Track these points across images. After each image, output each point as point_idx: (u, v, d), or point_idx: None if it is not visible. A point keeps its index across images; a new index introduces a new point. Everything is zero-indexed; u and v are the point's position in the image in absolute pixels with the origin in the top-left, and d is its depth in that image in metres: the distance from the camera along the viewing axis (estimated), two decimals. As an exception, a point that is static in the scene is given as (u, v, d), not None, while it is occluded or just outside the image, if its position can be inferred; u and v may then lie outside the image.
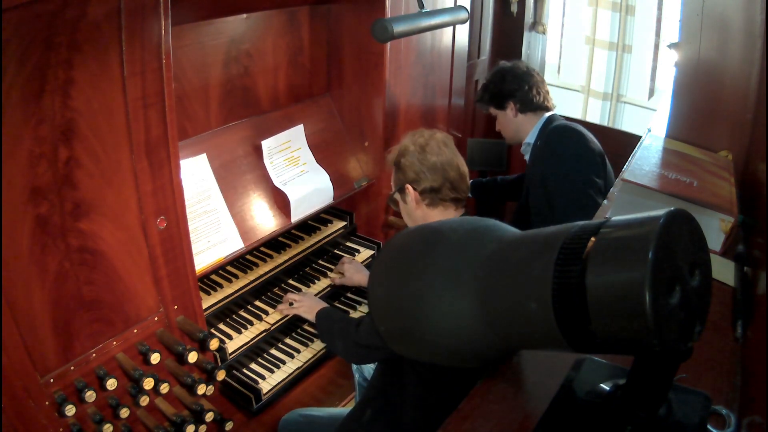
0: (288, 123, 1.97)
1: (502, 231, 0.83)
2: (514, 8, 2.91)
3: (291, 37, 1.99)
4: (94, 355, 1.26)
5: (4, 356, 1.06)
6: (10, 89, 1.00)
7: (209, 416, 1.41)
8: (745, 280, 1.21)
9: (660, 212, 0.63)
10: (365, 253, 2.16)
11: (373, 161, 2.15)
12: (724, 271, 1.28)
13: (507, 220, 1.16)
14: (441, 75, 2.35)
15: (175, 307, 1.42)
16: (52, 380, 1.18)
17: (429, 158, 1.54)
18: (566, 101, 4.62)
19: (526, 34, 3.07)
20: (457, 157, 1.58)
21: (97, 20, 1.09)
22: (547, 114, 2.20)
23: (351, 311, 2.03)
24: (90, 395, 1.21)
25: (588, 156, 2.06)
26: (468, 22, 2.08)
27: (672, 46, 2.23)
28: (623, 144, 2.24)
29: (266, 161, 1.87)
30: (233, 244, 1.71)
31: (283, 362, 1.80)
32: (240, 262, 1.92)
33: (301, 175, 1.95)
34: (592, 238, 0.65)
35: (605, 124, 4.47)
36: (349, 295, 2.10)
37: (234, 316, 1.83)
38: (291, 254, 1.98)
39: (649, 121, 2.14)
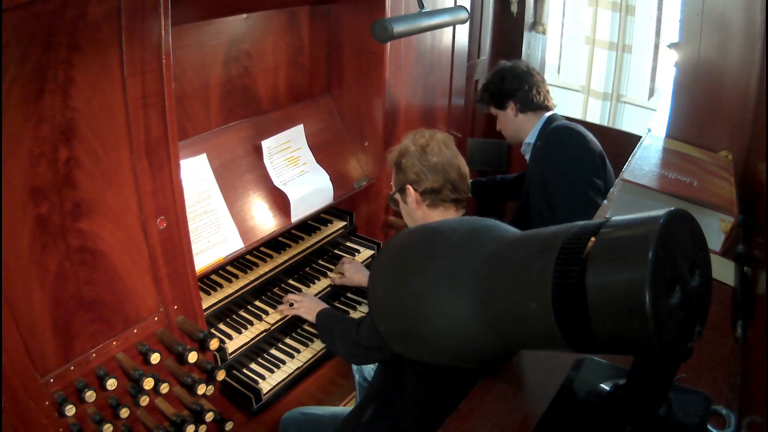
0: (288, 123, 1.97)
1: (502, 231, 0.83)
2: (514, 8, 2.91)
3: (291, 37, 1.99)
4: (94, 355, 1.26)
5: (4, 356, 1.06)
6: (10, 89, 1.00)
7: (209, 416, 1.41)
8: (745, 280, 1.21)
9: (660, 212, 0.63)
10: (365, 253, 2.16)
11: (373, 161, 2.15)
12: (724, 271, 1.28)
13: (507, 220, 1.16)
14: (441, 75, 2.35)
15: (175, 307, 1.42)
16: (52, 380, 1.18)
17: (430, 159, 1.54)
18: (566, 101, 4.63)
19: (526, 34, 3.07)
20: (458, 158, 1.58)
21: (97, 20, 1.09)
22: (548, 114, 2.20)
23: (351, 311, 2.03)
24: (90, 395, 1.21)
25: (588, 157, 2.06)
26: (468, 22, 2.08)
27: (672, 46, 2.23)
28: (623, 144, 2.24)
29: (266, 161, 1.87)
30: (233, 244, 1.71)
31: (283, 362, 1.80)
32: (240, 262, 1.92)
33: (301, 175, 1.95)
34: (592, 238, 0.65)
35: (605, 124, 4.47)
36: (349, 295, 2.10)
37: (234, 316, 1.83)
38: (291, 254, 1.98)
39: (649, 121, 2.14)
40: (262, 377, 1.74)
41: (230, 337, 1.74)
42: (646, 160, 1.63)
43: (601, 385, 0.89)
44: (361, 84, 2.07)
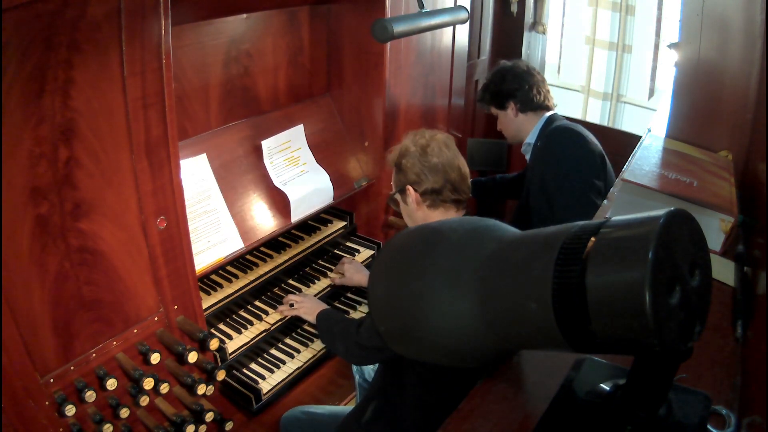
0: (288, 123, 1.97)
1: (502, 231, 0.83)
2: (514, 8, 2.91)
3: (291, 37, 1.99)
4: (94, 355, 1.26)
5: (4, 356, 1.06)
6: (10, 89, 1.00)
7: (209, 416, 1.41)
8: (745, 280, 1.21)
9: (660, 212, 0.63)
10: (365, 253, 2.16)
11: (373, 161, 2.15)
12: (724, 271, 1.28)
13: (507, 220, 1.16)
14: (441, 75, 2.35)
15: (175, 307, 1.42)
16: (52, 380, 1.18)
17: (430, 159, 1.54)
18: (566, 101, 4.62)
19: (526, 34, 3.07)
20: (459, 158, 1.58)
21: (97, 20, 1.09)
22: (548, 113, 2.20)
23: (351, 311, 2.03)
24: (90, 395, 1.21)
25: (588, 158, 2.06)
26: (468, 22, 2.08)
27: (672, 46, 2.23)
28: (623, 144, 2.24)
29: (266, 161, 1.87)
30: (233, 244, 1.71)
31: (283, 362, 1.80)
32: (240, 262, 1.92)
33: (301, 175, 1.95)
34: (592, 238, 0.65)
35: (605, 124, 4.47)
36: (349, 295, 2.10)
37: (234, 316, 1.83)
38: (291, 254, 1.98)
39: (649, 121, 2.14)
40: (262, 377, 1.74)
41: (230, 337, 1.74)
42: (646, 160, 1.63)
43: (601, 385, 0.89)
44: (361, 84, 2.07)
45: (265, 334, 1.78)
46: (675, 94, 1.95)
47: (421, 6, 1.66)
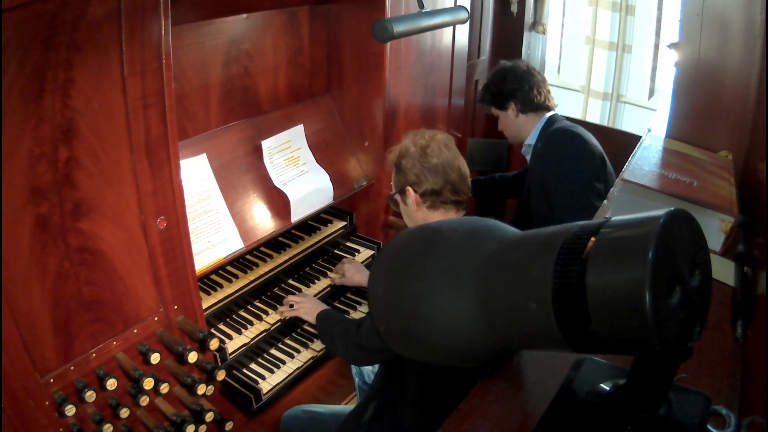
0: (288, 123, 1.97)
1: (502, 231, 0.83)
2: (514, 8, 2.91)
3: (291, 37, 1.99)
4: (94, 355, 1.26)
5: (4, 356, 1.06)
6: (10, 89, 1.00)
7: (209, 416, 1.41)
8: (745, 280, 1.21)
9: (660, 212, 0.63)
10: (365, 253, 2.16)
11: (373, 161, 2.15)
12: (724, 271, 1.28)
13: (507, 220, 1.16)
14: (441, 75, 2.35)
15: (175, 307, 1.42)
16: (52, 380, 1.18)
17: (430, 160, 1.53)
18: (566, 101, 4.62)
19: (526, 34, 3.07)
20: (458, 159, 1.57)
21: (97, 20, 1.09)
22: (548, 114, 2.20)
23: (351, 311, 2.03)
24: (90, 395, 1.21)
25: (588, 160, 2.05)
26: (468, 22, 2.08)
27: (672, 46, 2.23)
28: (623, 144, 2.24)
29: (266, 161, 1.87)
30: (233, 244, 1.71)
31: (283, 362, 1.80)
32: (240, 262, 1.92)
33: (301, 175, 1.95)
34: (592, 238, 0.65)
35: (605, 124, 4.47)
36: (349, 295, 2.10)
37: (234, 316, 1.83)
38: (291, 254, 1.98)
39: (649, 121, 2.14)
40: (262, 377, 1.74)
41: (230, 337, 1.74)
42: (646, 160, 1.63)
43: (601, 385, 0.89)
44: (361, 84, 2.07)
45: (265, 334, 1.78)
46: (675, 94, 1.95)
47: (421, 6, 1.66)
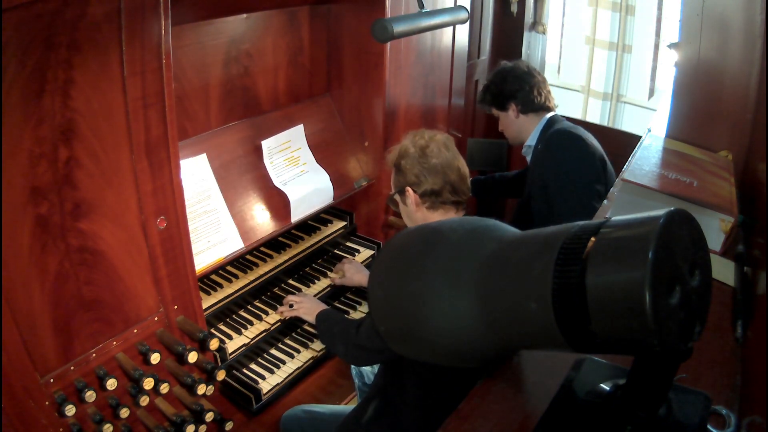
0: (288, 123, 1.97)
1: (502, 231, 0.83)
2: (514, 8, 2.91)
3: (291, 37, 1.99)
4: (94, 355, 1.26)
5: (4, 356, 1.06)
6: (10, 89, 1.00)
7: (209, 416, 1.41)
8: (745, 280, 1.21)
9: (660, 212, 0.63)
10: (365, 253, 2.16)
11: (373, 161, 2.15)
12: (724, 271, 1.28)
13: (507, 220, 1.16)
14: (441, 75, 2.35)
15: (175, 307, 1.42)
16: (52, 380, 1.18)
17: (430, 161, 1.53)
18: (566, 101, 4.62)
19: (526, 34, 3.07)
20: (458, 159, 1.57)
21: (97, 20, 1.09)
22: (549, 115, 2.20)
23: (351, 311, 2.03)
24: (90, 395, 1.21)
25: (589, 161, 2.05)
26: (468, 22, 2.08)
27: (672, 46, 2.23)
28: (623, 144, 2.24)
29: (266, 161, 1.87)
30: (233, 244, 1.71)
31: (283, 362, 1.80)
32: (240, 262, 1.92)
33: (301, 175, 1.95)
34: (592, 238, 0.65)
35: (605, 124, 4.47)
36: (349, 295, 2.10)
37: (234, 316, 1.83)
38: (291, 254, 1.98)
39: (649, 121, 2.14)
40: (262, 377, 1.74)
41: (230, 337, 1.74)
42: (646, 160, 1.63)
43: (601, 385, 0.89)
44: (361, 84, 2.07)
45: (265, 334, 1.78)
46: (675, 94, 1.95)
47: (421, 6, 1.66)
